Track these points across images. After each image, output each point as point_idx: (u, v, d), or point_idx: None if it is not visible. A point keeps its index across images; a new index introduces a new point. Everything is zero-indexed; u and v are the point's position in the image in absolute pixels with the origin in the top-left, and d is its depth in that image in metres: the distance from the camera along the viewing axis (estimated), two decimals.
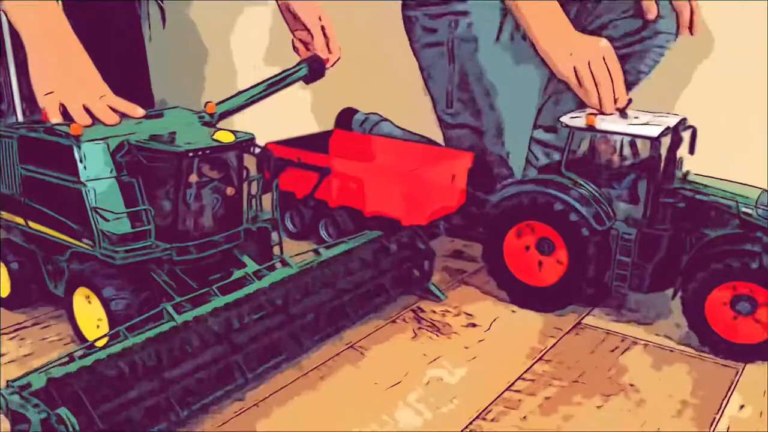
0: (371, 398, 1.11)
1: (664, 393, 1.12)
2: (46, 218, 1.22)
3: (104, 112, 1.19)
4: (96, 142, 1.16)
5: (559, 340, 1.29)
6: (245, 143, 1.16)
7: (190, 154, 1.10)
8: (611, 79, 1.35)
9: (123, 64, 1.35)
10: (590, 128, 1.33)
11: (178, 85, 2.64)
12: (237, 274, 1.18)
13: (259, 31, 2.41)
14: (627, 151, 1.40)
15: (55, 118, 1.19)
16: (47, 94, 1.21)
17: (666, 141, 1.29)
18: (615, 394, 1.12)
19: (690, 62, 1.78)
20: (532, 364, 1.20)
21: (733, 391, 1.13)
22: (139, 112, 1.23)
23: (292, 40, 1.59)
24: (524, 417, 1.06)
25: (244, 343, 1.08)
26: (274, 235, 1.33)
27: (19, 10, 1.23)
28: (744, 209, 1.23)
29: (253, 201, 1.26)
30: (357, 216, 1.63)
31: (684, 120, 1.34)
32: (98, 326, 1.16)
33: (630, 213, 1.33)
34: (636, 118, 1.34)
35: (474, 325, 1.34)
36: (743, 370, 1.18)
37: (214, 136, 1.14)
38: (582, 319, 1.37)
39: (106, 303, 1.12)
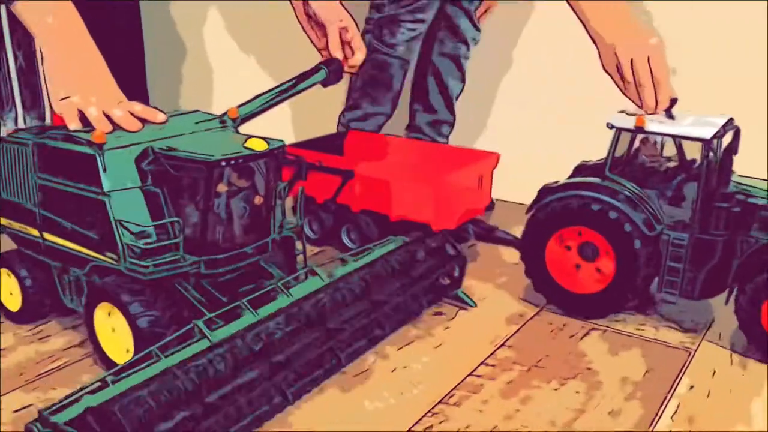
0: (338, 386, 1.12)
1: (619, 376, 1.16)
2: (64, 230, 1.13)
3: (125, 118, 1.11)
4: (119, 149, 1.07)
5: (521, 327, 1.32)
6: (277, 151, 1.09)
7: (223, 163, 1.02)
8: (654, 80, 1.29)
9: (121, 65, 1.25)
10: (639, 129, 1.27)
11: (165, 85, 2.55)
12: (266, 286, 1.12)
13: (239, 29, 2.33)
14: (673, 152, 1.35)
15: (74, 124, 1.10)
16: (63, 99, 1.12)
17: (718, 142, 1.24)
18: (572, 377, 1.15)
19: (691, 59, 1.73)
20: (495, 350, 1.23)
21: (684, 373, 1.17)
22: (160, 117, 1.15)
23: (312, 42, 1.51)
24: (485, 400, 1.09)
25: (284, 361, 1.02)
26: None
27: (34, 12, 1.14)
28: None
29: (278, 209, 1.18)
30: (381, 220, 1.56)
31: (731, 120, 1.29)
32: (127, 350, 1.07)
33: (680, 217, 1.27)
34: (683, 118, 1.29)
35: (440, 314, 1.36)
36: (695, 353, 1.23)
37: (246, 144, 1.06)
38: (544, 306, 1.39)
39: (132, 320, 1.04)
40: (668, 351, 1.24)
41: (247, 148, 1.05)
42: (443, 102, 1.90)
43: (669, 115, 1.30)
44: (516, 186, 1.81)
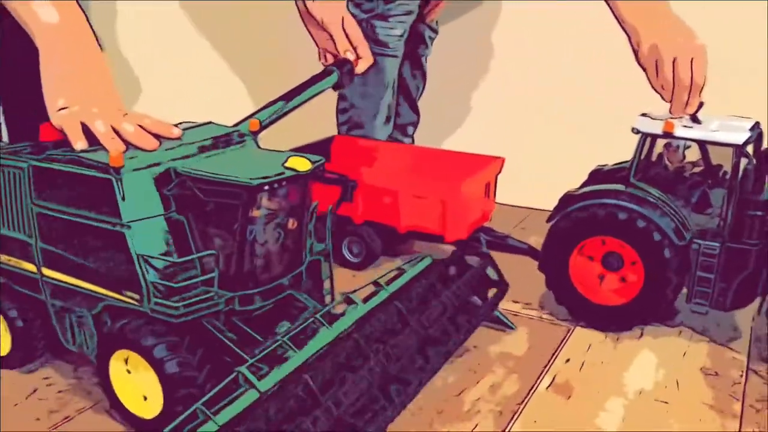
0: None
1: (503, 352, 1.23)
2: (70, 266, 0.99)
3: (139, 135, 0.96)
4: (138, 172, 0.93)
5: None
6: (319, 169, 0.97)
7: (266, 188, 0.90)
8: (692, 82, 1.24)
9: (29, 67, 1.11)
10: (667, 134, 1.22)
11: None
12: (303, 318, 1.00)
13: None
14: (696, 157, 1.31)
15: (81, 143, 0.95)
16: (61, 109, 0.97)
17: (750, 148, 1.20)
18: (460, 355, 1.20)
19: None
20: None
21: (562, 348, 1.24)
22: (176, 132, 1.01)
23: (319, 49, 1.41)
24: None
25: (345, 404, 0.90)
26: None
27: (31, 6, 0.99)
28: None
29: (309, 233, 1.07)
30: (385, 232, 1.48)
31: (757, 123, 1.25)
32: (145, 398, 0.95)
33: (706, 225, 1.23)
34: (708, 122, 1.25)
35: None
36: (573, 330, 1.30)
37: (288, 164, 0.94)
38: None
39: (158, 365, 0.91)
40: (550, 328, 1.31)
41: (288, 168, 0.93)
42: (406, 102, 1.84)
43: (694, 118, 1.26)
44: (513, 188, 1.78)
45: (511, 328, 1.28)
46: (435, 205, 1.40)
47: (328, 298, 1.14)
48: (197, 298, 0.91)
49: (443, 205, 1.39)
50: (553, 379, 1.15)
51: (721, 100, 1.52)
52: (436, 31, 1.84)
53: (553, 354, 1.22)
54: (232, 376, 0.85)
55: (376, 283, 1.10)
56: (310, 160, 0.95)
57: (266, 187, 0.90)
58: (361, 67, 1.34)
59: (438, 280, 1.18)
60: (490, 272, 1.27)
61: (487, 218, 1.54)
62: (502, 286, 1.26)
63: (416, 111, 1.87)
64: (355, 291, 1.05)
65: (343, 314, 1.00)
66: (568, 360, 1.20)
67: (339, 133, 1.75)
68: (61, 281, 1.00)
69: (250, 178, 0.89)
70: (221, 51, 2.17)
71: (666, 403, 1.09)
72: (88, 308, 0.99)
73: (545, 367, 1.18)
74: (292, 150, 1.59)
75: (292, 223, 1.00)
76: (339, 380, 0.93)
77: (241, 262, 0.94)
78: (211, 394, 0.83)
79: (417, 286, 1.13)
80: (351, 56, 1.33)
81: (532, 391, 1.11)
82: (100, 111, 0.97)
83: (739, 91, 1.63)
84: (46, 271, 1.01)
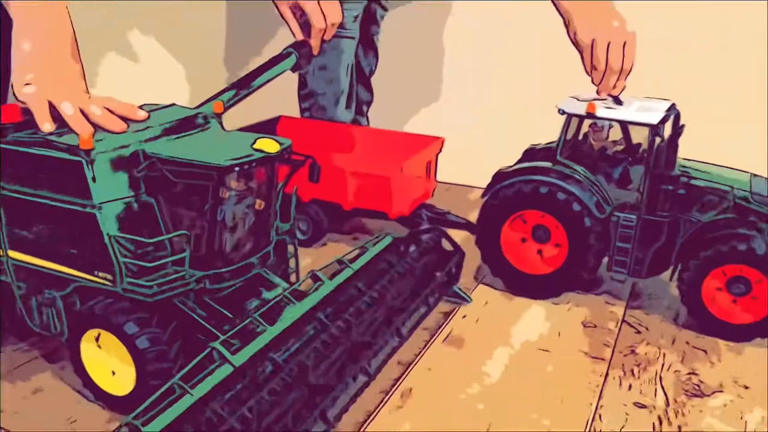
0: None
1: None
2: (38, 248, 1.00)
3: (106, 117, 0.98)
4: (107, 154, 0.95)
5: None
6: (287, 151, 1.01)
7: (237, 169, 0.94)
8: (622, 66, 1.35)
9: None
10: (590, 115, 1.33)
11: None
12: (271, 295, 1.06)
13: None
14: (619, 136, 1.42)
15: (49, 124, 0.97)
16: (27, 84, 0.98)
17: (666, 127, 1.31)
18: None
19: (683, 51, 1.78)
20: None
21: (461, 305, 1.37)
22: (141, 114, 1.03)
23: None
24: None
25: (318, 377, 0.96)
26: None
27: None
28: (739, 194, 1.27)
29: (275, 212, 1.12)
30: (332, 209, 1.55)
31: (673, 105, 1.37)
32: (116, 374, 1.00)
33: (627, 199, 1.35)
34: (629, 103, 1.36)
35: None
36: (475, 288, 1.44)
37: (256, 145, 0.98)
38: None
39: (129, 341, 0.95)
40: None
41: (258, 150, 0.97)
42: (360, 81, 1.88)
43: (617, 100, 1.37)
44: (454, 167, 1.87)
45: (467, 301, 1.38)
46: (378, 183, 1.48)
47: (292, 277, 1.19)
48: (169, 278, 0.95)
49: (386, 183, 1.47)
50: (450, 332, 1.27)
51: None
52: (386, 10, 1.86)
53: (452, 312, 1.34)
54: (206, 351, 0.90)
55: (340, 261, 1.15)
56: (278, 142, 0.99)
57: (236, 169, 0.93)
58: (314, 39, 1.36)
59: (398, 257, 1.25)
60: (445, 244, 1.36)
61: (429, 195, 1.63)
62: (459, 253, 1.35)
63: (370, 90, 1.91)
64: (320, 269, 1.11)
65: (311, 291, 1.06)
66: (465, 316, 1.33)
67: (302, 117, 1.78)
68: (29, 263, 1.02)
69: (221, 160, 0.93)
70: (175, 34, 2.18)
71: (547, 351, 1.23)
72: (58, 290, 1.01)
73: (443, 322, 1.30)
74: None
75: (259, 204, 1.04)
76: (309, 358, 0.97)
77: (211, 242, 0.98)
78: (186, 369, 0.87)
79: (380, 264, 1.19)
80: (299, 35, 1.35)
81: (430, 343, 1.23)
82: (67, 91, 0.98)
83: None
84: (12, 254, 1.03)
